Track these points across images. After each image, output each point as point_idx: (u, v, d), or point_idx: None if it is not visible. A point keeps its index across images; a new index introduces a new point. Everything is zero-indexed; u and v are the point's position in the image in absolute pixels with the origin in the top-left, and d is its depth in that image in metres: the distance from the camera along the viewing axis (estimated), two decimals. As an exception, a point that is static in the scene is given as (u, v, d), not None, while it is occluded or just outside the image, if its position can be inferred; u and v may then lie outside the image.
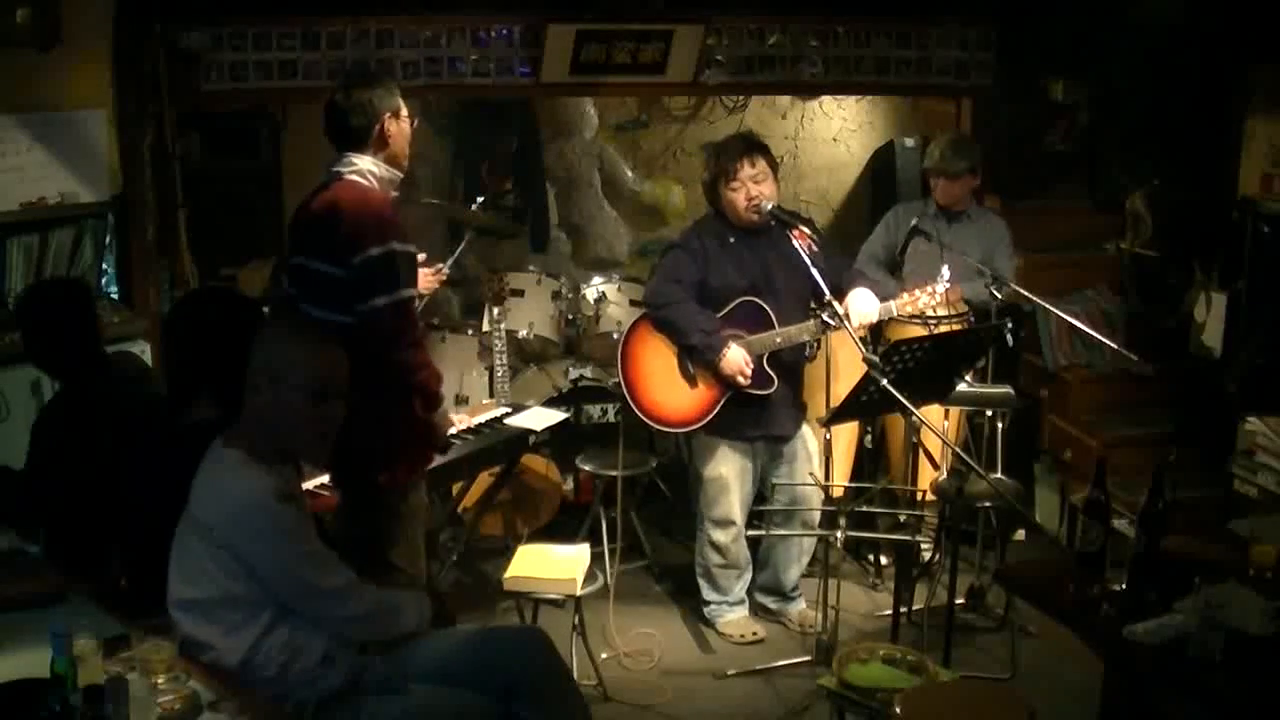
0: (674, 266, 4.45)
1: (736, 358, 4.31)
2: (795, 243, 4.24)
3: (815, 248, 4.26)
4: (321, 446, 2.90)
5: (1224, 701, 2.62)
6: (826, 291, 4.11)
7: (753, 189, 4.32)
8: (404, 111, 3.56)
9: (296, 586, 2.76)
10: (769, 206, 4.32)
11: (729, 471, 4.48)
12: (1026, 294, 4.66)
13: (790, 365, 4.48)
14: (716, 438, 4.47)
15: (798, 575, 4.69)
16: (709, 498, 4.53)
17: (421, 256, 3.78)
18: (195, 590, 2.73)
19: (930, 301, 4.43)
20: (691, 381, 4.43)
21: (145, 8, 4.61)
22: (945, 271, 4.47)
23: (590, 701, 3.78)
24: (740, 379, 4.32)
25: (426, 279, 4.14)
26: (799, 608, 4.68)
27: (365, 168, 3.48)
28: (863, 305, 4.37)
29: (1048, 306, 4.74)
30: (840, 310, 4.12)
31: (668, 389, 4.45)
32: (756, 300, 4.39)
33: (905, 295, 4.47)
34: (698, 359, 4.38)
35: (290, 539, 2.73)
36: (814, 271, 4.14)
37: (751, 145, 4.43)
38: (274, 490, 2.72)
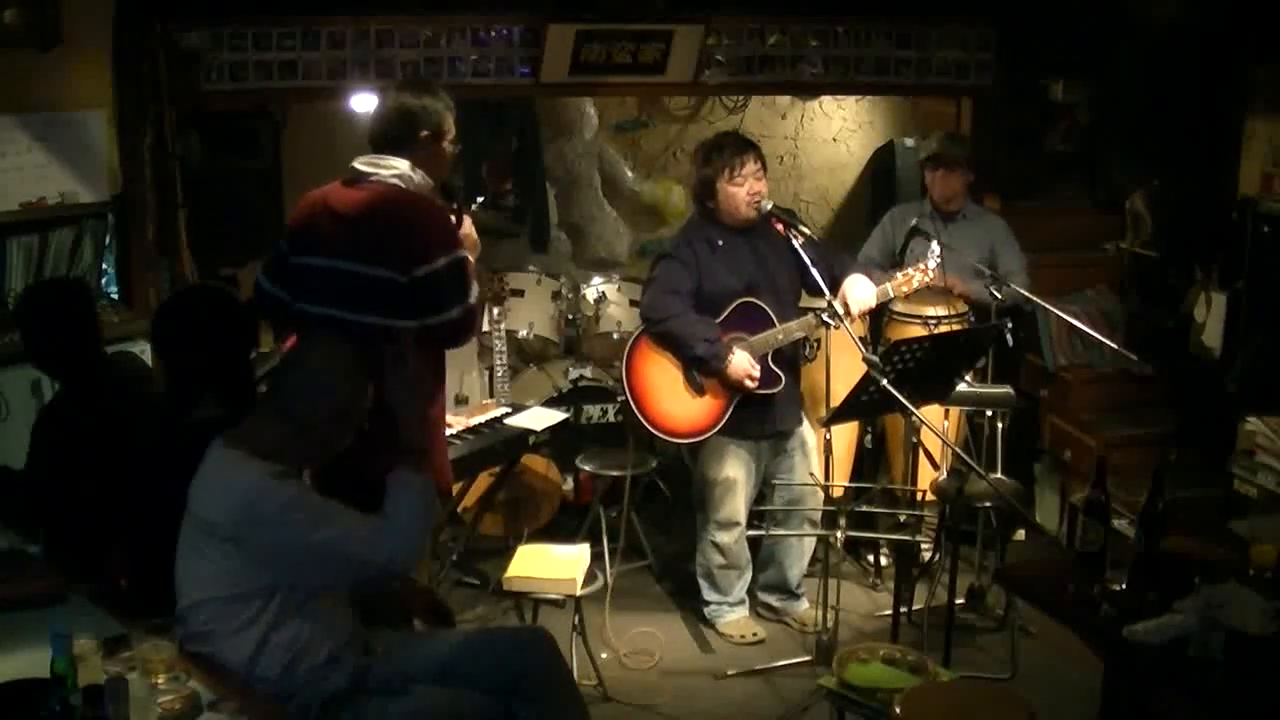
0: (668, 277, 4.42)
1: (742, 362, 4.31)
2: (794, 241, 4.24)
3: (806, 245, 4.26)
4: (319, 460, 2.93)
5: (1224, 701, 2.63)
6: (826, 290, 4.13)
7: (754, 185, 4.33)
8: (452, 134, 3.47)
9: (322, 552, 2.74)
10: (768, 205, 4.34)
11: (736, 472, 4.48)
12: (1027, 294, 4.66)
13: (791, 360, 4.50)
14: (724, 439, 4.47)
15: (801, 572, 4.70)
16: (715, 499, 4.52)
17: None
18: (203, 591, 2.73)
19: (924, 279, 4.42)
20: (699, 390, 4.42)
21: (145, 8, 4.61)
22: (935, 247, 4.47)
23: (590, 701, 3.78)
24: (748, 382, 4.32)
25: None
26: (803, 606, 4.68)
27: (405, 171, 3.35)
28: (860, 292, 4.37)
29: (1048, 306, 4.75)
30: (840, 310, 4.12)
31: (676, 401, 4.45)
32: (754, 301, 4.39)
33: (899, 275, 4.46)
34: (703, 368, 4.38)
35: (300, 509, 2.73)
36: (814, 272, 4.15)
37: (750, 142, 4.45)
38: (271, 472, 2.73)
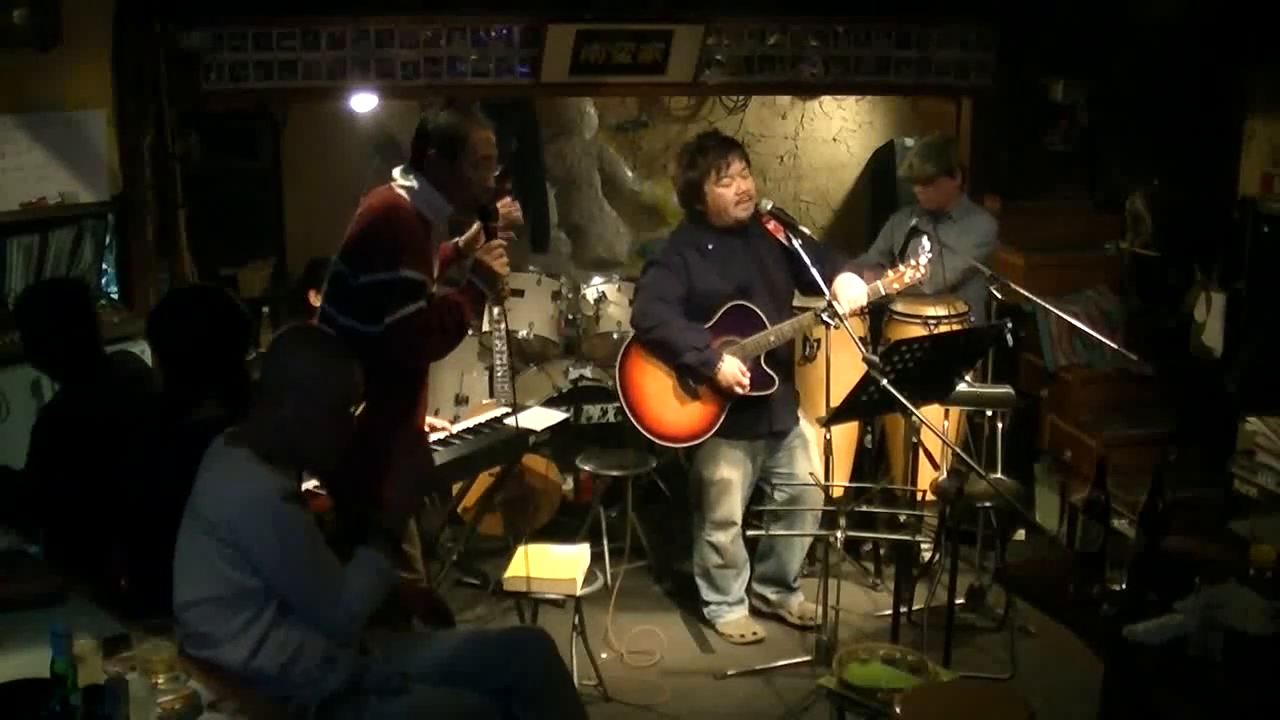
0: (655, 284, 4.42)
1: (732, 369, 4.31)
2: (793, 242, 4.24)
3: (805, 245, 4.26)
4: (332, 457, 2.91)
5: (1224, 701, 2.63)
6: (826, 291, 4.13)
7: (741, 184, 4.33)
8: (473, 157, 3.49)
9: (297, 585, 2.76)
10: (768, 205, 4.34)
11: (732, 473, 4.48)
12: (1026, 294, 4.66)
13: (784, 361, 4.51)
14: (720, 439, 4.47)
15: (799, 566, 4.70)
16: (711, 500, 4.52)
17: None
18: (202, 589, 2.73)
19: (916, 275, 4.41)
20: (693, 395, 4.43)
21: (145, 8, 4.61)
22: (926, 244, 4.47)
23: (590, 701, 3.79)
24: (739, 388, 4.32)
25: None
26: (799, 600, 4.68)
27: (413, 185, 3.49)
28: (850, 290, 4.36)
29: (1048, 306, 4.75)
30: (839, 310, 4.12)
31: (670, 406, 4.45)
32: (745, 303, 4.39)
33: (891, 273, 4.45)
34: (694, 375, 4.38)
35: (295, 538, 2.73)
36: (813, 271, 4.15)
37: (732, 141, 4.46)
38: (280, 490, 2.73)
